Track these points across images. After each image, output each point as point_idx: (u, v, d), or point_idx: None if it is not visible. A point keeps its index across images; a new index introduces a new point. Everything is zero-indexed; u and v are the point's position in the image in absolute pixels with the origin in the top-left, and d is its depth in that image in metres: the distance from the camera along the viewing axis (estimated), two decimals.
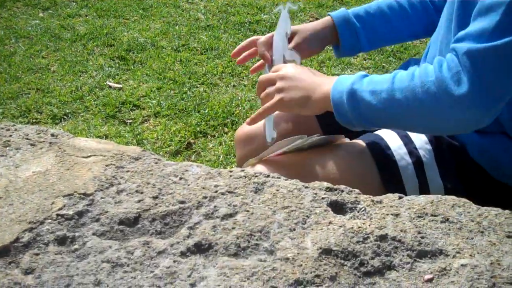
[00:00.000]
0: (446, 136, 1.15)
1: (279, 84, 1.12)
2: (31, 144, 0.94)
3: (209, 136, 2.42)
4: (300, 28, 1.30)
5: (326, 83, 1.08)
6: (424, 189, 1.12)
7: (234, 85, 2.82)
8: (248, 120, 1.17)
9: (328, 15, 1.31)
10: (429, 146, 1.15)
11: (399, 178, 1.12)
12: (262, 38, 1.30)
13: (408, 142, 1.15)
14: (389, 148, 1.14)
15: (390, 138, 1.16)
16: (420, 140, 1.15)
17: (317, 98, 1.08)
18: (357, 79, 1.04)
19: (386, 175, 1.13)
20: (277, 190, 0.83)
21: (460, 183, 1.13)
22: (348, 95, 1.03)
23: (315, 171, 1.10)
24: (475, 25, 0.94)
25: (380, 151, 1.14)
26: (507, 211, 0.79)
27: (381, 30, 1.33)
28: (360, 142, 1.18)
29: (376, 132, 1.20)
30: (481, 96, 0.92)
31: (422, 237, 0.73)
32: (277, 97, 1.11)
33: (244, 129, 1.43)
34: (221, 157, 2.27)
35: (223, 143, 2.36)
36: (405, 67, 1.37)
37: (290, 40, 1.29)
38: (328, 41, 1.31)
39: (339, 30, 1.29)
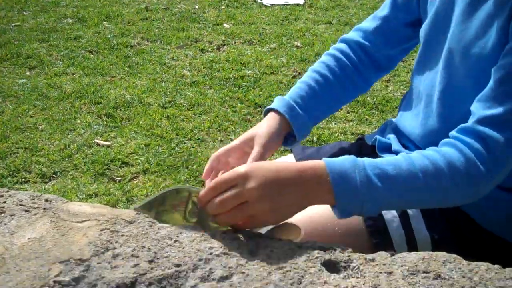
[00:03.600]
0: None
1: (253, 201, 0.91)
2: (26, 210, 0.95)
3: None
4: (255, 134, 1.20)
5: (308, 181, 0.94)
6: (411, 241, 1.14)
7: (221, 140, 2.85)
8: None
9: (270, 109, 1.25)
10: None
11: (386, 231, 1.14)
12: (217, 152, 1.21)
13: None
14: None
15: None
16: None
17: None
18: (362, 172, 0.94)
19: (372, 229, 1.14)
20: (271, 251, 0.85)
21: (448, 233, 1.15)
22: (363, 186, 0.93)
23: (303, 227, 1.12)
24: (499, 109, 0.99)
25: None
26: (496, 266, 0.81)
27: (318, 110, 1.31)
28: None
29: None
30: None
31: None
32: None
33: None
34: None
35: None
36: (383, 129, 1.40)
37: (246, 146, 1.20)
38: (282, 136, 1.24)
39: (293, 123, 1.24)
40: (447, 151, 0.99)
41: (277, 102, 1.27)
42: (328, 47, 4.05)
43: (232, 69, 3.80)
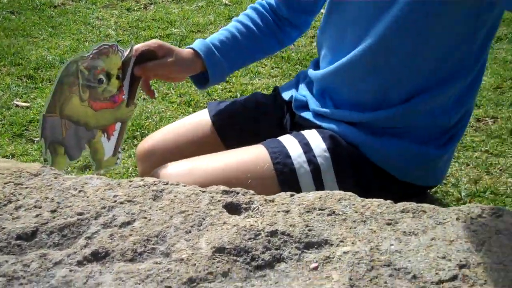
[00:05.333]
0: (345, 143, 1.21)
1: None
2: None
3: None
4: (175, 50, 1.28)
5: None
6: None
7: (144, 98, 2.82)
8: None
9: (189, 47, 1.33)
10: (327, 154, 1.19)
11: (297, 186, 1.17)
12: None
13: (308, 150, 1.19)
14: (290, 157, 1.19)
15: (291, 145, 1.21)
16: (319, 148, 1.20)
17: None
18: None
19: (284, 182, 1.17)
20: (175, 196, 0.86)
21: (357, 187, 1.19)
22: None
23: (216, 177, 1.14)
24: None
25: (280, 158, 1.19)
26: (388, 201, 0.85)
27: (236, 56, 1.38)
28: (262, 148, 1.22)
29: (279, 138, 1.25)
30: None
31: (310, 230, 0.78)
32: None
33: (144, 145, 1.47)
34: (130, 169, 2.27)
35: (132, 155, 2.36)
36: (296, 80, 1.44)
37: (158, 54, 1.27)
38: (191, 71, 1.33)
39: (208, 63, 1.31)
40: None
41: (196, 43, 1.33)
42: None
43: (159, 27, 3.74)
